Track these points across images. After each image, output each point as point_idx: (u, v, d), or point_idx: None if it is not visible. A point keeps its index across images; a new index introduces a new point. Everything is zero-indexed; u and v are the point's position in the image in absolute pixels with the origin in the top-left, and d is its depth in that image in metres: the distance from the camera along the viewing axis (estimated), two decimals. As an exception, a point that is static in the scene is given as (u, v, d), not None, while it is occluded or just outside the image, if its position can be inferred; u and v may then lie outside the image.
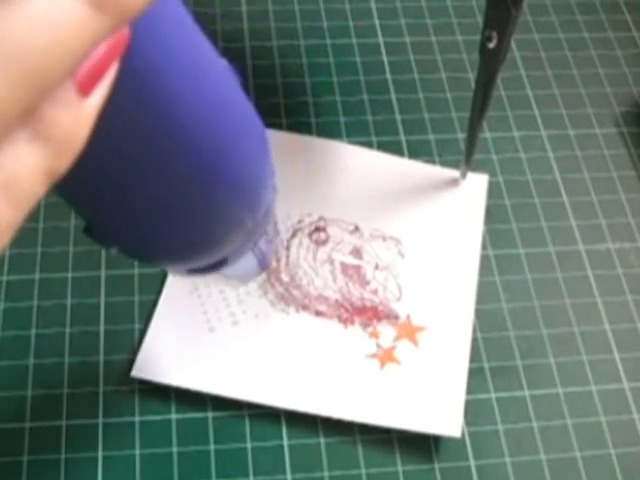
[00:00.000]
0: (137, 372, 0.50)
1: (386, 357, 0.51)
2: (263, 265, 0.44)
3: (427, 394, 0.50)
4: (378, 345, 0.51)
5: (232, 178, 0.31)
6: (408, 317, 0.52)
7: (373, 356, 0.51)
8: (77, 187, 0.29)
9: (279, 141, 0.58)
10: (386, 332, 0.52)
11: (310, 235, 0.55)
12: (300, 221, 0.56)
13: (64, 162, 0.17)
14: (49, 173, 0.16)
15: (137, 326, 0.51)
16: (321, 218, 0.56)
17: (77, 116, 0.17)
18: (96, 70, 0.17)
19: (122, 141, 0.27)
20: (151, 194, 0.30)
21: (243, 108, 0.32)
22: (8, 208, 0.16)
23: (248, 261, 0.41)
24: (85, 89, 0.17)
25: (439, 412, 0.49)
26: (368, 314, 0.52)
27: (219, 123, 0.29)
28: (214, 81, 0.29)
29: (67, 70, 0.15)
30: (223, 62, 0.30)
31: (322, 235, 0.55)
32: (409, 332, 0.52)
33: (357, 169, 0.58)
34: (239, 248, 0.37)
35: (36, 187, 0.16)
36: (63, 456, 0.47)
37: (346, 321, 0.52)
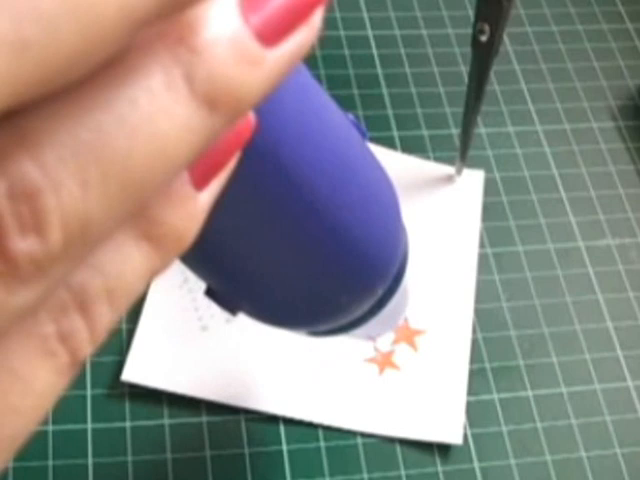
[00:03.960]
0: (127, 376, 0.47)
1: (385, 362, 0.50)
2: (392, 324, 0.40)
3: (427, 400, 0.49)
4: (376, 349, 0.50)
5: (361, 245, 0.29)
6: (406, 320, 0.51)
7: (372, 360, 0.50)
8: (195, 259, 0.28)
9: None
10: (384, 335, 0.50)
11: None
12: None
13: (170, 260, 0.15)
14: (154, 272, 0.15)
15: (125, 326, 0.49)
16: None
17: (189, 213, 0.15)
18: (215, 162, 0.16)
19: (242, 216, 0.26)
20: (271, 264, 0.29)
21: (375, 171, 0.30)
22: (109, 314, 0.15)
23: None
24: (201, 183, 0.15)
25: (439, 419, 0.48)
26: (364, 316, 0.51)
27: (349, 190, 0.28)
28: (341, 140, 0.28)
29: (175, 175, 0.14)
30: (348, 121, 0.28)
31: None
32: (407, 336, 0.51)
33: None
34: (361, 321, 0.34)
35: (139, 290, 0.15)
36: (51, 463, 0.45)
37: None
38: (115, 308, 0.15)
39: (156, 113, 0.13)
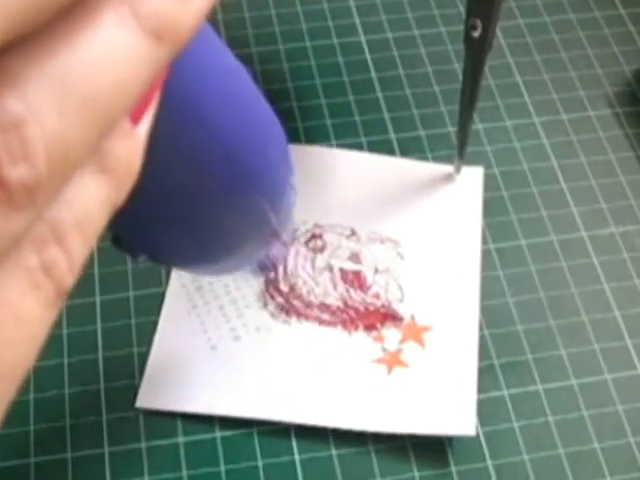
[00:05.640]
0: (141, 402, 0.49)
1: (393, 361, 0.50)
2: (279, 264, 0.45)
3: (437, 395, 0.49)
4: (384, 349, 0.50)
5: (261, 180, 0.33)
6: (412, 317, 0.51)
7: (380, 361, 0.50)
8: None
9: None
10: (391, 335, 0.51)
11: (306, 243, 0.54)
12: (295, 230, 0.54)
13: (124, 192, 0.17)
14: (112, 205, 0.17)
15: (136, 350, 0.50)
16: (316, 225, 0.55)
17: (132, 145, 0.17)
18: (145, 99, 0.18)
19: (157, 155, 0.27)
20: (183, 203, 0.32)
21: (266, 112, 0.34)
22: (82, 245, 0.16)
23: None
24: (137, 118, 0.17)
25: (451, 412, 0.48)
26: (371, 318, 0.51)
27: (246, 127, 0.31)
28: (239, 88, 0.31)
29: (131, 104, 0.16)
30: (244, 69, 0.32)
31: (319, 242, 0.54)
32: (415, 333, 0.51)
33: (349, 173, 0.57)
34: (263, 248, 0.38)
35: (102, 220, 0.17)
36: (71, 490, 0.46)
37: (350, 327, 0.51)
38: (86, 239, 0.16)
39: (113, 47, 0.15)
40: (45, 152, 0.14)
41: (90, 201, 0.16)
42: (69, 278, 0.16)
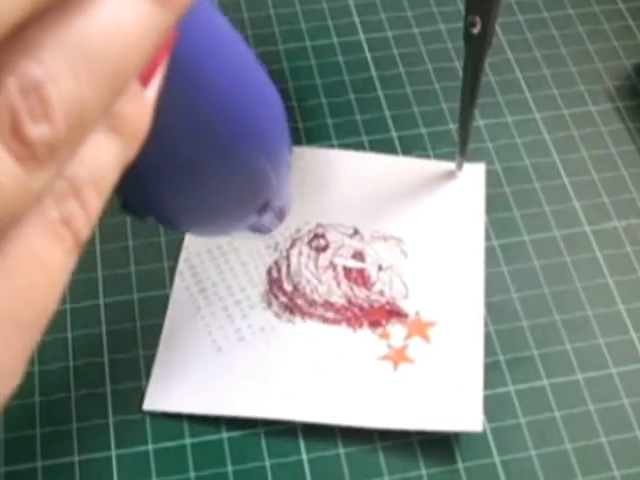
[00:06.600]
0: (149, 405, 0.49)
1: (399, 357, 0.50)
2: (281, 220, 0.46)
3: (444, 391, 0.49)
4: (389, 346, 0.50)
5: (260, 138, 0.34)
6: (417, 313, 0.51)
7: (385, 357, 0.50)
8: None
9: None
10: (396, 332, 0.51)
11: (309, 243, 0.54)
12: (298, 230, 0.54)
13: (133, 151, 0.18)
14: (122, 163, 0.18)
15: (142, 352, 0.50)
16: (319, 225, 0.55)
17: (141, 107, 0.18)
18: (154, 62, 0.19)
19: (163, 121, 0.28)
20: (188, 164, 0.33)
21: (261, 75, 0.35)
22: (96, 199, 0.18)
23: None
24: (146, 81, 0.19)
25: (458, 408, 0.48)
26: (376, 315, 0.51)
27: (244, 90, 0.33)
28: (235, 53, 0.33)
29: (140, 67, 0.17)
30: (238, 34, 0.33)
31: (322, 241, 0.54)
32: (420, 329, 0.51)
33: (350, 172, 0.57)
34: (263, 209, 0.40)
35: (114, 177, 0.18)
36: (78, 493, 0.46)
37: (355, 325, 0.51)
38: (100, 194, 0.18)
39: (122, 13, 0.16)
40: (63, 112, 0.15)
41: (104, 159, 0.18)
42: (86, 229, 0.18)
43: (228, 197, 0.36)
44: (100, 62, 0.16)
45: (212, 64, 0.30)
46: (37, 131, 0.15)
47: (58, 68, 0.15)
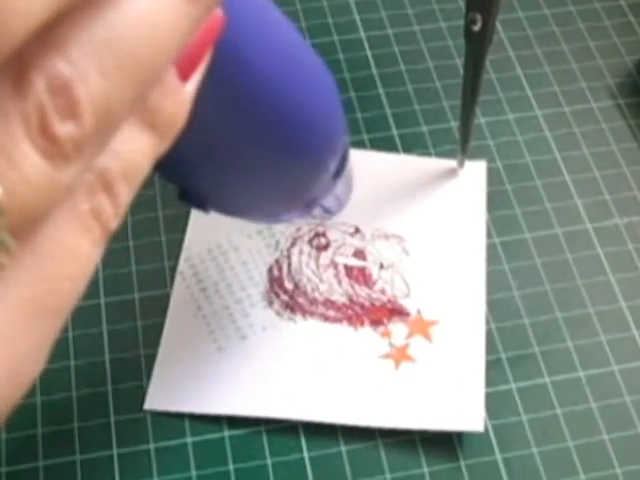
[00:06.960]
0: (150, 404, 0.49)
1: (400, 356, 0.50)
2: (343, 204, 0.46)
3: (445, 390, 0.49)
4: (391, 344, 0.50)
5: (317, 127, 0.34)
6: (419, 312, 0.51)
7: (387, 356, 0.50)
8: (173, 160, 0.31)
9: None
10: (398, 330, 0.51)
11: (310, 241, 0.54)
12: (299, 229, 0.54)
13: (167, 144, 0.19)
14: (155, 156, 0.18)
15: (143, 352, 0.50)
16: (320, 223, 0.55)
17: (178, 101, 0.19)
18: (194, 56, 0.19)
19: (215, 113, 0.29)
20: (244, 155, 0.33)
21: (316, 62, 0.35)
22: (127, 192, 0.18)
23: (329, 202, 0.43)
24: (185, 75, 0.19)
25: (459, 408, 0.48)
26: (377, 313, 0.51)
27: (296, 76, 0.32)
28: (283, 39, 0.32)
29: (170, 60, 0.17)
30: (288, 20, 0.33)
31: (322, 240, 0.54)
32: (421, 327, 0.51)
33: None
34: (324, 193, 0.40)
35: (146, 169, 0.18)
36: (80, 492, 0.46)
37: (356, 323, 0.51)
38: (131, 186, 0.18)
39: (150, 9, 0.16)
40: (91, 109, 0.16)
41: (135, 152, 0.18)
42: (114, 221, 0.18)
43: (285, 185, 0.36)
44: (129, 59, 0.16)
45: (258, 49, 0.30)
46: (64, 129, 0.15)
47: (86, 66, 0.15)
